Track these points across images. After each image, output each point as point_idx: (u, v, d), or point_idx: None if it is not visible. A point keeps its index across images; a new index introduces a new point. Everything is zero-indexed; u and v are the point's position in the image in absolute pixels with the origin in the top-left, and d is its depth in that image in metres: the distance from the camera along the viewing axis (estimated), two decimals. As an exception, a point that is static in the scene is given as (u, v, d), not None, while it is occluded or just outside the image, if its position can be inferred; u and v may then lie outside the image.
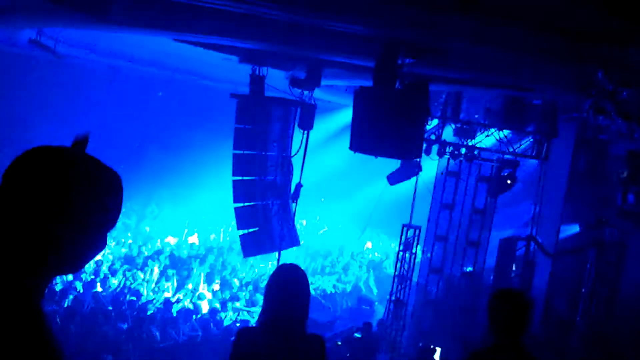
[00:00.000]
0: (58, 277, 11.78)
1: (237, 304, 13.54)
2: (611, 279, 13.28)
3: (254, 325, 3.99)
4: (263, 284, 14.80)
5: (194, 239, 18.85)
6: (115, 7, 7.52)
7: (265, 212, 12.00)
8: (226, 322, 12.50)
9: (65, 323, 10.36)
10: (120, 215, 1.70)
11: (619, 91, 8.04)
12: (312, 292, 15.04)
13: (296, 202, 11.85)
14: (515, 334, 3.96)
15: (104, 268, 13.93)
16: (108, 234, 1.68)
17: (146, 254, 15.93)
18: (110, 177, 1.64)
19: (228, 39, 8.66)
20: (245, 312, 13.27)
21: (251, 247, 12.12)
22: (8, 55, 15.37)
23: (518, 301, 4.04)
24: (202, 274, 14.91)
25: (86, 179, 1.58)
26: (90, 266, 13.58)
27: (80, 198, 1.56)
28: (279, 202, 12.06)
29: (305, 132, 11.11)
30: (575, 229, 13.33)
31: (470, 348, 11.67)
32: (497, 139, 11.91)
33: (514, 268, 12.65)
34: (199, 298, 13.38)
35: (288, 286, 3.88)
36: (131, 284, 13.40)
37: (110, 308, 11.70)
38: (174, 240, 18.38)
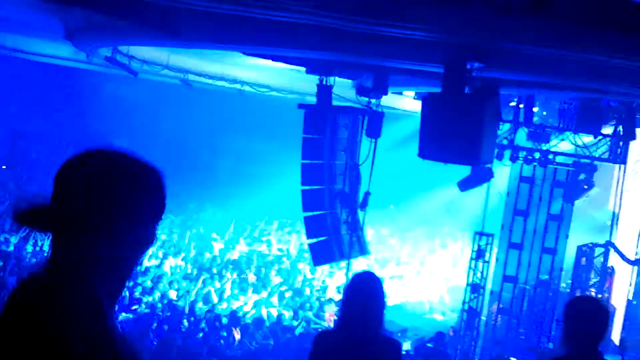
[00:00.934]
0: (132, 285, 12.18)
1: (309, 313, 13.59)
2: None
3: (331, 329, 4.11)
4: (332, 293, 14.89)
5: (265, 247, 19.05)
6: (186, 23, 7.73)
7: (334, 220, 12.03)
8: (298, 331, 12.57)
9: (142, 331, 10.65)
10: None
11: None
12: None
13: (365, 211, 11.85)
14: (591, 343, 3.82)
15: (177, 276, 14.27)
16: (159, 230, 1.78)
17: (218, 262, 16.24)
18: (149, 173, 1.71)
19: (296, 50, 8.75)
20: (315, 321, 13.31)
21: (321, 255, 12.18)
22: (86, 72, 16.04)
23: (594, 309, 3.92)
24: (273, 282, 15.05)
25: (127, 177, 1.65)
26: (164, 274, 13.96)
27: (124, 196, 1.63)
28: (347, 211, 12.07)
29: (373, 140, 11.11)
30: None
31: (545, 358, 11.35)
32: (572, 143, 11.55)
33: (592, 275, 12.23)
34: (271, 306, 13.51)
35: (364, 292, 4.00)
36: (205, 292, 13.66)
37: (186, 318, 11.97)
38: (245, 248, 18.62)
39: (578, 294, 11.51)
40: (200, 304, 12.87)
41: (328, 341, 4.07)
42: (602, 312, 3.90)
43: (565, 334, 3.93)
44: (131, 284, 12.43)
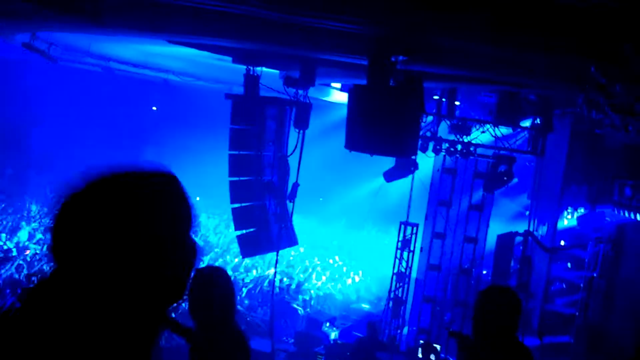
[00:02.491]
0: None
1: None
2: (609, 272, 13.30)
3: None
4: (266, 285, 14.88)
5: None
6: (108, 11, 7.53)
7: (263, 212, 11.99)
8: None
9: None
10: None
11: (611, 85, 8.05)
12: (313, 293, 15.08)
13: (293, 202, 11.88)
14: (503, 333, 3.81)
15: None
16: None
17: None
18: (167, 187, 1.50)
19: (221, 39, 8.67)
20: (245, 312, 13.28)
21: (249, 247, 12.12)
22: (1, 61, 15.38)
23: (504, 299, 3.86)
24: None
25: (154, 199, 1.45)
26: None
27: (155, 219, 1.43)
28: (276, 202, 12.06)
29: (301, 131, 11.13)
30: (572, 222, 13.36)
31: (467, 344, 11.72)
32: (492, 135, 11.93)
33: (512, 263, 12.66)
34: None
35: (209, 288, 4.00)
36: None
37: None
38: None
39: (498, 281, 11.92)
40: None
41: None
42: (512, 302, 3.85)
43: (477, 325, 3.88)
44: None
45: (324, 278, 16.70)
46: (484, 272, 13.42)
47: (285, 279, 15.07)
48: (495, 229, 12.79)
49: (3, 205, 16.41)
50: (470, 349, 4.11)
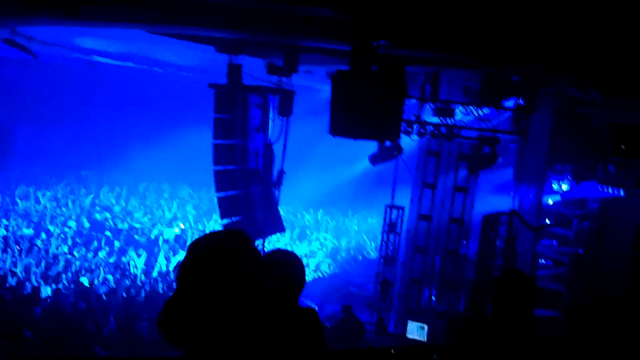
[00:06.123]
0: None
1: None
2: (594, 248, 13.47)
3: None
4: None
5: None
6: (86, 2, 7.47)
7: (248, 200, 12.02)
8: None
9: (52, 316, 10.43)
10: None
11: (598, 66, 8.12)
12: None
13: (279, 189, 11.92)
14: (521, 315, 3.97)
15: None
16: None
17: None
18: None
19: (202, 29, 8.63)
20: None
21: (236, 236, 12.13)
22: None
23: (526, 286, 4.05)
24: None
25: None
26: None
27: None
28: (261, 190, 12.09)
29: (285, 118, 11.14)
30: (556, 198, 13.47)
31: (455, 322, 11.86)
32: (476, 117, 11.95)
33: (497, 243, 12.77)
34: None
35: (283, 269, 3.99)
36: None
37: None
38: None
39: (485, 262, 12.06)
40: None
41: None
42: (532, 287, 4.06)
43: (497, 304, 4.03)
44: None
45: (313, 262, 16.79)
46: (471, 252, 13.53)
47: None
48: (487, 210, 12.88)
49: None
50: (480, 330, 4.23)
